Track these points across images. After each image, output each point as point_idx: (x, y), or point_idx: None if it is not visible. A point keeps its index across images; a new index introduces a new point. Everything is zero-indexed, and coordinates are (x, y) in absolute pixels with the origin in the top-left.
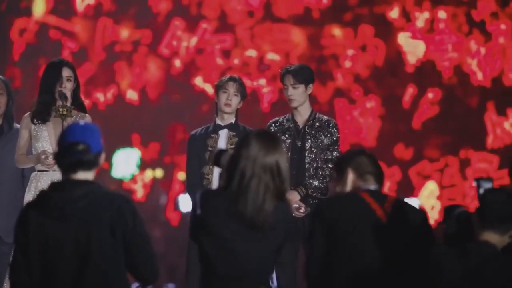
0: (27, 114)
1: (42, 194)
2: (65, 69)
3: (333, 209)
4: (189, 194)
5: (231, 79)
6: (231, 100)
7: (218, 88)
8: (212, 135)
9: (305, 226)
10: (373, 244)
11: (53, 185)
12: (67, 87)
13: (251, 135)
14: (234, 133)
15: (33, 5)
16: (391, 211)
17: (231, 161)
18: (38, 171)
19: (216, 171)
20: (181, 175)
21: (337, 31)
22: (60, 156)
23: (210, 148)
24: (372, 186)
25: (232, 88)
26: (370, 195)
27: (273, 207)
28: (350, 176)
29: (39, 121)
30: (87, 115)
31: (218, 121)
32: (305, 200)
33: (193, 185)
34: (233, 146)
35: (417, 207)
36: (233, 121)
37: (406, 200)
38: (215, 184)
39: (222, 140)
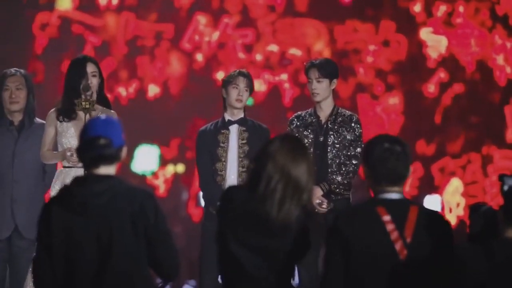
0: (52, 110)
1: (64, 189)
2: (89, 65)
3: (349, 225)
4: (203, 190)
5: (241, 74)
6: (242, 96)
7: (227, 83)
8: (222, 131)
9: (327, 222)
10: (387, 282)
11: (76, 180)
12: (93, 83)
13: (277, 139)
14: (245, 128)
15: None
16: (412, 239)
17: (257, 162)
18: (64, 167)
19: (230, 166)
20: None
21: (359, 26)
22: (82, 150)
23: (222, 144)
24: (390, 194)
25: (242, 83)
26: (388, 211)
27: (297, 211)
28: (368, 176)
29: (65, 119)
30: (112, 111)
31: (228, 117)
32: (328, 195)
33: (207, 182)
34: (244, 141)
35: (443, 218)
36: (242, 116)
37: (429, 208)
38: (228, 180)
39: (233, 136)
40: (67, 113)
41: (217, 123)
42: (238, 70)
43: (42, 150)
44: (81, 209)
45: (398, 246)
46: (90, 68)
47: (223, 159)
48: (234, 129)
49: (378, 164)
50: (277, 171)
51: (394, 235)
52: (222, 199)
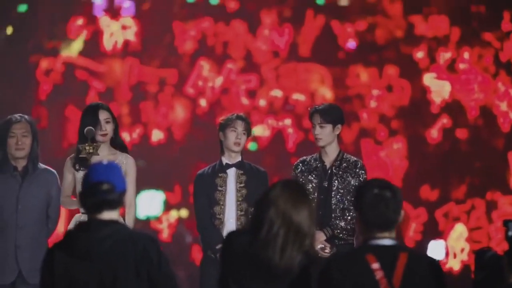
0: (68, 158)
1: (68, 234)
2: (101, 112)
3: (339, 273)
4: (201, 234)
5: (239, 117)
6: (240, 139)
7: (225, 126)
8: (220, 174)
9: None
10: None
11: (79, 225)
12: (107, 129)
13: (278, 184)
14: (242, 172)
15: (61, 45)
16: (400, 287)
17: (259, 207)
18: (82, 213)
19: (228, 210)
20: None
21: (362, 71)
22: (85, 196)
23: (219, 188)
24: (380, 241)
25: (240, 127)
26: (377, 258)
27: (299, 257)
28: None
29: (81, 168)
30: (129, 156)
31: (225, 160)
32: (331, 240)
33: (204, 226)
34: (242, 185)
35: (434, 261)
36: (240, 159)
37: (420, 253)
38: (227, 223)
39: (231, 179)
40: (82, 161)
41: (215, 166)
42: (236, 114)
43: (62, 196)
44: (84, 254)
45: None
46: (103, 115)
47: (221, 203)
48: (232, 172)
49: (368, 210)
50: (279, 216)
51: (383, 284)
52: (224, 244)
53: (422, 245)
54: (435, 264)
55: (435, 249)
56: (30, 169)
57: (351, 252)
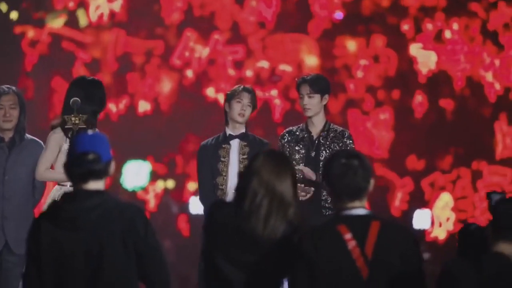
0: (57, 130)
1: (53, 205)
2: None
3: (312, 247)
4: (203, 204)
5: (246, 89)
6: (245, 111)
7: (231, 97)
8: (223, 145)
9: None
10: None
11: (65, 196)
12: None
13: (261, 155)
14: (246, 143)
15: (47, 16)
16: (373, 256)
17: (242, 178)
18: (60, 185)
19: (231, 181)
20: (192, 186)
21: (349, 41)
22: (70, 166)
23: (222, 159)
24: (352, 211)
25: (246, 98)
26: (349, 228)
27: (283, 226)
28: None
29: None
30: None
31: (229, 131)
32: (319, 212)
33: (207, 196)
34: (245, 156)
35: (407, 230)
36: (244, 130)
37: (393, 221)
38: (230, 194)
39: (234, 150)
40: (66, 132)
41: (219, 137)
42: (242, 86)
43: (41, 167)
44: (71, 225)
45: (359, 264)
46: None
47: (224, 174)
48: (235, 143)
49: (337, 181)
50: (262, 186)
51: (356, 253)
52: (208, 215)
53: (408, 215)
54: (408, 233)
55: (421, 218)
56: (17, 141)
57: (322, 224)
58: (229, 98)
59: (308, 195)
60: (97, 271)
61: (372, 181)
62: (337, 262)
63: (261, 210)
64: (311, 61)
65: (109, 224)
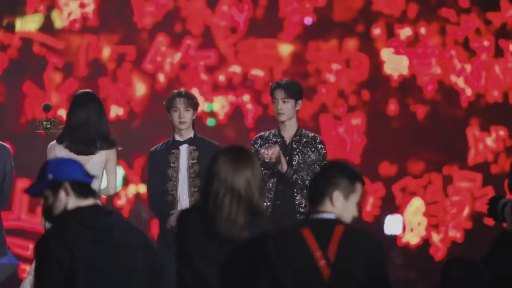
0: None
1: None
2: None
3: (274, 248)
4: (153, 211)
5: (178, 94)
6: (183, 117)
7: (168, 107)
8: (172, 151)
9: None
10: None
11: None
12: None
13: (219, 153)
14: (195, 147)
15: (18, 20)
16: (335, 260)
17: (205, 180)
18: None
19: (181, 187)
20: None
21: (321, 45)
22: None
23: (172, 165)
24: (318, 215)
25: (181, 104)
26: (313, 232)
27: (247, 221)
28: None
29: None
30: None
31: (177, 137)
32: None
33: (154, 202)
34: (194, 161)
35: (371, 235)
36: (191, 135)
37: (357, 227)
38: (181, 200)
39: (183, 156)
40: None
41: (168, 142)
42: (176, 91)
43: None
44: (108, 238)
45: (321, 265)
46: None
47: (173, 179)
48: (184, 149)
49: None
50: (221, 185)
51: (318, 257)
52: (178, 223)
53: (380, 220)
54: (373, 240)
55: (392, 224)
56: None
57: (288, 227)
58: (167, 108)
59: (271, 153)
60: (128, 282)
61: (337, 185)
62: (299, 263)
63: (223, 209)
64: (283, 66)
65: (134, 241)
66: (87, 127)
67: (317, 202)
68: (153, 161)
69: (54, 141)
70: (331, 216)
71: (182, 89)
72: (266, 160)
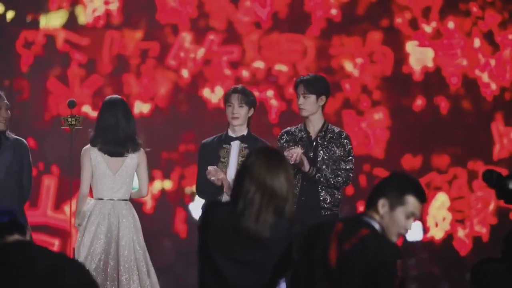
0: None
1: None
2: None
3: (309, 236)
4: (202, 198)
5: (234, 91)
6: (237, 113)
7: (225, 102)
8: (224, 146)
9: None
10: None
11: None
12: None
13: (253, 153)
14: (246, 145)
15: (42, 17)
16: (347, 253)
17: (236, 178)
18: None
19: (229, 180)
20: (189, 187)
21: (345, 40)
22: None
23: (222, 160)
24: (362, 215)
25: (236, 100)
26: (345, 224)
27: (274, 221)
28: None
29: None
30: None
31: (230, 133)
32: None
33: (205, 193)
34: (244, 159)
35: (391, 250)
36: (245, 132)
37: (381, 238)
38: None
39: (234, 152)
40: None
41: (221, 136)
42: (233, 87)
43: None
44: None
45: (331, 256)
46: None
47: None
48: (235, 145)
49: None
50: (253, 182)
51: (333, 247)
52: (203, 214)
53: None
54: (385, 252)
55: (413, 230)
56: (2, 139)
57: (326, 221)
58: (224, 102)
59: (295, 155)
60: None
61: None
62: (317, 244)
63: (253, 206)
64: (307, 61)
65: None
66: (116, 130)
67: (367, 205)
68: (203, 153)
69: (88, 145)
70: (373, 223)
71: (240, 85)
72: (291, 163)
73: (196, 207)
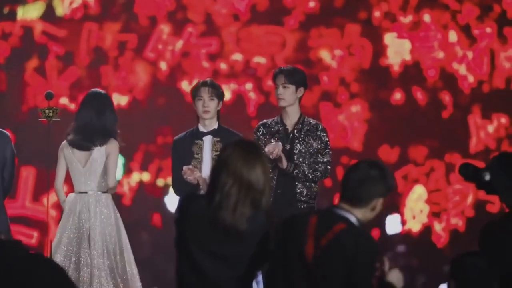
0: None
1: None
2: None
3: (283, 228)
4: (179, 195)
5: (204, 84)
6: (208, 107)
7: (193, 96)
8: (196, 141)
9: None
10: (293, 282)
11: None
12: None
13: (230, 146)
14: (218, 139)
15: (19, 9)
16: (324, 248)
17: (214, 170)
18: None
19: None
20: (168, 179)
21: (323, 33)
22: None
23: (196, 156)
24: (336, 208)
25: (206, 93)
26: (319, 218)
27: (251, 213)
28: None
29: None
30: None
31: (201, 128)
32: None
33: (182, 192)
34: (218, 153)
35: (368, 244)
36: (216, 126)
37: (359, 232)
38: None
39: (207, 147)
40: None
41: (192, 132)
42: (201, 81)
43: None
44: None
45: (308, 249)
46: None
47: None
48: (207, 140)
49: None
50: (230, 176)
51: (310, 243)
52: (180, 206)
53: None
54: (365, 244)
55: (392, 223)
56: None
57: (301, 214)
58: (192, 96)
59: (276, 151)
60: None
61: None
62: (293, 239)
63: (230, 199)
64: (285, 53)
65: None
66: (88, 125)
67: (355, 203)
68: (176, 150)
69: (65, 141)
70: (348, 215)
71: (208, 79)
72: (271, 158)
73: (171, 200)
